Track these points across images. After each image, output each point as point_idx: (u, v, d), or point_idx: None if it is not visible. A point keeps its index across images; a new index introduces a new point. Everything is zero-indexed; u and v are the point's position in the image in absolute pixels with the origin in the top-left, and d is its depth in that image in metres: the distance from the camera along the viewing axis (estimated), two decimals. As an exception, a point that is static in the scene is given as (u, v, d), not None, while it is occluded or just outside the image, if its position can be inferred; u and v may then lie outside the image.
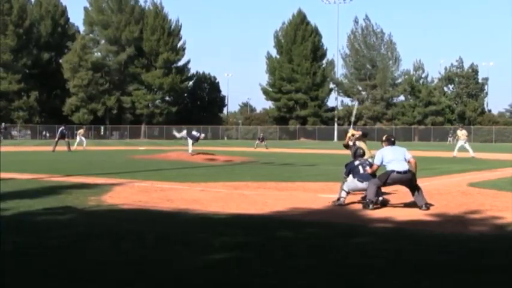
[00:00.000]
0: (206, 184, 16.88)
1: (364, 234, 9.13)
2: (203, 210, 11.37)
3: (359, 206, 12.21)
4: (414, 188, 12.28)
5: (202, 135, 35.66)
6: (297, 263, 6.82)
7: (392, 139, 12.96)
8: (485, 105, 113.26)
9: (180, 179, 18.72)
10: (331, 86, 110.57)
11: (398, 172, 12.13)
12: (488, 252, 7.69)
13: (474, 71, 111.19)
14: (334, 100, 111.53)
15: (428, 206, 12.00)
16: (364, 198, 12.54)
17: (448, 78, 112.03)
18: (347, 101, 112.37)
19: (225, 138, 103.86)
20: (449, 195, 14.72)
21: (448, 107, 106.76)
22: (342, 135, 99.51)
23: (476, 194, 14.97)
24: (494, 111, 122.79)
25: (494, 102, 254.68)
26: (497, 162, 31.17)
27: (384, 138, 12.98)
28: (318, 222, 10.16)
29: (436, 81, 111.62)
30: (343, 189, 12.88)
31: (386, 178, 12.23)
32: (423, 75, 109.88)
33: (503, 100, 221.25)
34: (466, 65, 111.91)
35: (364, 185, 12.77)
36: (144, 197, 13.55)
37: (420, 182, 18.28)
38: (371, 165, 13.02)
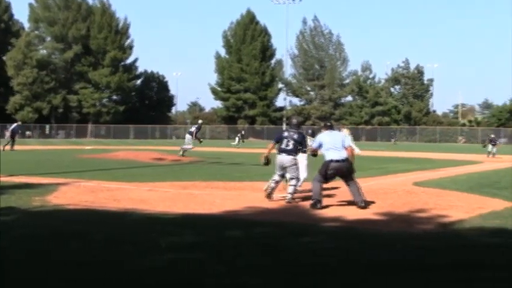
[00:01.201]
0: (154, 184, 16.74)
1: (315, 233, 9.18)
2: (151, 210, 11.28)
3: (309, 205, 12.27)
4: (350, 178, 12.36)
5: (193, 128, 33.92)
6: (249, 263, 6.82)
7: (329, 124, 13.33)
8: (430, 106, 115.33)
9: (127, 178, 18.53)
10: (280, 85, 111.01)
11: (336, 161, 12.15)
12: (433, 250, 7.82)
13: (420, 72, 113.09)
14: (282, 100, 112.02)
15: (364, 203, 12.04)
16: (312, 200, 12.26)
17: (394, 79, 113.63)
18: (295, 101, 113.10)
19: (174, 137, 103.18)
20: (394, 194, 14.92)
21: (395, 107, 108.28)
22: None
23: (420, 193, 15.21)
24: (439, 112, 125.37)
25: (439, 103, 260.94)
26: (441, 162, 31.75)
27: (322, 124, 13.40)
28: (269, 222, 10.17)
29: (383, 82, 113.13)
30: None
31: (326, 169, 12.22)
32: (370, 76, 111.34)
33: (448, 101, 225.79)
34: (412, 67, 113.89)
35: (282, 157, 13.26)
36: (90, 197, 13.36)
37: (367, 181, 18.54)
38: (299, 143, 13.52)
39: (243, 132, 56.90)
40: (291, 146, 13.25)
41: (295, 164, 13.33)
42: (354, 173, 12.49)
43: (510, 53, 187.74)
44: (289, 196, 13.11)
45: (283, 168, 13.33)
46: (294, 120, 14.20)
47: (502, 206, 12.35)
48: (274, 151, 13.70)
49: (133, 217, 10.56)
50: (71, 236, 8.50)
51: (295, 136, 13.40)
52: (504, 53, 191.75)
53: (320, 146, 12.51)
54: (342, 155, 12.24)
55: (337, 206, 12.32)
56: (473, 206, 12.37)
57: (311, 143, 14.14)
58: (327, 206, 12.05)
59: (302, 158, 14.53)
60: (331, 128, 13.01)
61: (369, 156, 34.33)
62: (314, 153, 13.13)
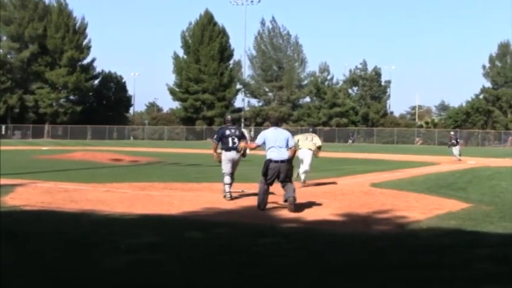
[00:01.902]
0: (111, 185, 16.62)
1: (273, 234, 9.21)
2: (109, 211, 11.20)
3: (269, 205, 12.29)
4: (286, 181, 11.99)
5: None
6: (207, 264, 6.82)
7: (275, 120, 12.99)
8: (387, 107, 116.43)
9: (84, 179, 18.36)
10: (238, 86, 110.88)
11: (275, 161, 11.88)
12: (391, 251, 7.91)
13: (377, 74, 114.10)
14: (241, 101, 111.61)
15: (294, 207, 11.64)
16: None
17: (352, 81, 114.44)
18: (254, 102, 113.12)
19: (131, 138, 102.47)
20: (352, 195, 15.06)
21: (352, 108, 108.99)
22: (247, 135, 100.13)
23: (378, 194, 15.38)
24: (396, 113, 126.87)
25: (396, 105, 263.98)
26: (398, 163, 32.14)
27: (269, 118, 13.38)
28: (227, 223, 10.18)
29: (341, 83, 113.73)
30: (223, 174, 13.97)
31: (266, 170, 11.92)
32: (328, 77, 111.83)
33: (405, 102, 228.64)
34: (370, 68, 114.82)
35: (232, 154, 13.89)
36: (47, 198, 13.21)
37: (325, 182, 18.67)
38: (241, 138, 14.12)
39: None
40: (237, 143, 13.97)
41: (239, 160, 14.46)
42: (291, 176, 12.27)
43: (466, 55, 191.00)
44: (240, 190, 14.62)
45: (234, 166, 14.07)
46: (229, 117, 15.08)
47: (458, 207, 12.55)
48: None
49: (91, 218, 10.46)
50: (27, 237, 8.39)
51: (237, 133, 14.21)
52: (460, 55, 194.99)
53: (263, 143, 12.21)
54: (283, 155, 11.92)
55: (300, 208, 12.37)
56: (430, 207, 12.56)
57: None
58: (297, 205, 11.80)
59: (308, 154, 17.65)
60: (276, 125, 12.69)
61: (327, 157, 34.56)
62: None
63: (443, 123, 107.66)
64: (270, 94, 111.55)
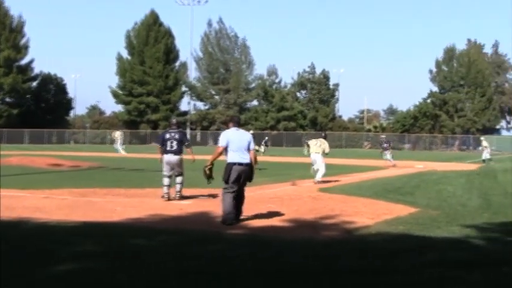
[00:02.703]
0: (50, 191, 16.35)
1: (219, 241, 9.18)
2: (47, 219, 11.00)
3: (216, 212, 12.25)
4: (244, 186, 11.59)
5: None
6: (151, 272, 6.74)
7: (238, 120, 12.38)
8: (336, 111, 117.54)
9: (21, 185, 18.00)
10: (184, 89, 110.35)
11: (239, 164, 11.30)
12: (340, 256, 7.96)
13: (325, 77, 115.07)
14: (186, 104, 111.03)
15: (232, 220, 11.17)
16: None
17: (300, 84, 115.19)
18: (200, 105, 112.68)
19: (72, 142, 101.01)
20: (300, 200, 15.14)
21: (301, 112, 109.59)
22: (193, 139, 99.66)
23: (326, 199, 15.49)
24: (345, 117, 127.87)
25: (345, 108, 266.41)
26: (346, 168, 32.46)
27: (229, 118, 13.29)
28: (172, 229, 10.12)
29: (289, 86, 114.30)
30: (163, 175, 14.62)
31: (229, 175, 11.26)
32: (276, 80, 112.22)
33: (353, 106, 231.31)
34: (318, 71, 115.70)
35: (170, 157, 14.63)
36: (-18, 205, 12.91)
37: (273, 188, 18.76)
38: (181, 141, 14.84)
39: (266, 138, 55.59)
40: (175, 147, 14.77)
41: (181, 162, 15.02)
42: (250, 181, 11.76)
43: (414, 59, 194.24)
44: (179, 194, 14.89)
45: (172, 168, 14.89)
46: (173, 121, 15.65)
47: (406, 212, 12.74)
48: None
49: (28, 226, 10.26)
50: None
51: (177, 136, 14.91)
52: (408, 59, 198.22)
53: (227, 144, 11.48)
54: (247, 158, 11.42)
55: (245, 213, 12.36)
56: (378, 212, 12.71)
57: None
58: (240, 220, 11.47)
59: (318, 158, 21.09)
60: (238, 124, 12.04)
61: (276, 162, 34.71)
62: (218, 155, 11.65)
63: (392, 127, 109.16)
64: (217, 97, 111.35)
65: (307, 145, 23.29)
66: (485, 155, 43.44)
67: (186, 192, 15.56)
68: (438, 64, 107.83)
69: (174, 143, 14.86)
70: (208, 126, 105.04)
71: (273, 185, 19.90)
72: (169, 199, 14.53)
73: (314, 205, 14.02)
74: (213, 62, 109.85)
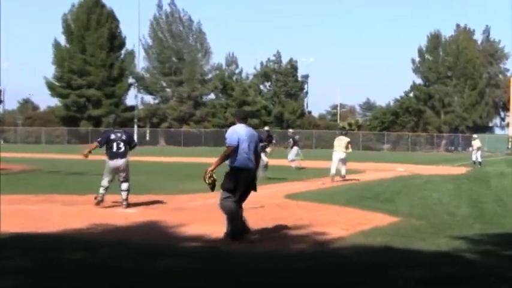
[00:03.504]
0: (-25, 198, 16.16)
1: (172, 254, 9.17)
2: (-29, 230, 10.88)
3: (171, 221, 12.21)
4: (247, 196, 11.11)
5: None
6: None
7: (244, 115, 11.81)
8: (305, 107, 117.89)
9: None
10: (131, 81, 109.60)
11: (248, 170, 10.81)
12: (310, 272, 7.98)
13: (293, 67, 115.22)
14: (133, 98, 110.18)
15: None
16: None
17: (264, 75, 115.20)
18: (149, 98, 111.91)
19: (1, 141, 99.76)
20: (263, 208, 15.15)
21: (264, 107, 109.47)
22: (142, 138, 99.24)
23: (294, 207, 15.55)
24: (315, 113, 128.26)
25: (315, 104, 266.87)
26: (317, 171, 32.53)
27: (235, 112, 12.54)
28: (118, 241, 10.07)
29: (251, 77, 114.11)
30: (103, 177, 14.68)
31: (236, 183, 10.63)
32: (237, 71, 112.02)
33: (325, 101, 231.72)
34: (285, 61, 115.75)
35: (117, 161, 14.55)
36: None
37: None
38: (129, 143, 14.81)
39: (296, 137, 55.57)
40: (122, 149, 14.68)
41: (128, 166, 14.98)
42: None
43: (394, 47, 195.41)
44: (126, 203, 14.82)
45: (117, 173, 14.87)
46: (116, 119, 15.45)
47: (385, 221, 12.83)
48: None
49: None
50: None
51: (124, 137, 14.85)
52: (387, 47, 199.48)
53: (238, 143, 10.76)
54: (253, 162, 10.96)
55: (202, 223, 12.36)
56: (354, 222, 12.80)
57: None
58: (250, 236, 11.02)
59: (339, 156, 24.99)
60: (245, 120, 11.49)
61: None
62: (227, 157, 10.87)
63: (369, 124, 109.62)
64: (168, 90, 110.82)
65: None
66: (477, 156, 43.85)
67: (132, 199, 15.51)
68: (422, 53, 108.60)
69: (122, 145, 14.79)
70: (159, 123, 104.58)
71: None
72: (98, 203, 14.63)
73: (279, 214, 14.06)
74: (164, 49, 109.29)
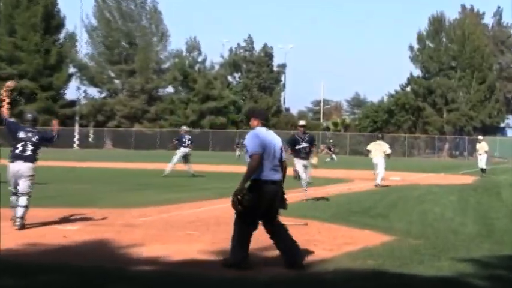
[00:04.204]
0: None
1: (121, 281, 9.14)
2: None
3: (120, 240, 12.19)
4: (275, 215, 10.77)
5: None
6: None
7: (266, 116, 11.50)
8: (281, 102, 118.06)
9: None
10: (72, 70, 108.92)
11: (273, 182, 10.41)
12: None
13: (268, 55, 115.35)
14: (75, 91, 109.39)
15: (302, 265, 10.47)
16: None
17: (233, 65, 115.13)
18: (93, 92, 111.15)
19: None
20: (231, 224, 15.15)
21: (233, 103, 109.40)
22: (84, 139, 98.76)
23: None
24: (294, 111, 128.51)
25: (294, 98, 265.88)
26: (293, 179, 32.58)
27: (253, 110, 11.86)
28: (55, 265, 10.02)
29: (217, 67, 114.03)
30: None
31: (258, 200, 10.27)
32: (200, 59, 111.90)
33: (305, 96, 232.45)
34: (258, 47, 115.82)
35: (18, 165, 13.66)
36: None
37: (194, 207, 18.78)
38: (38, 145, 13.92)
39: (331, 143, 56.04)
40: (29, 151, 13.83)
41: (33, 175, 13.96)
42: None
43: (388, 31, 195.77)
44: (19, 221, 13.70)
45: (19, 181, 13.86)
46: (29, 115, 14.65)
47: (377, 241, 12.87)
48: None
49: None
50: None
51: (35, 139, 13.98)
52: (380, 32, 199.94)
53: (260, 151, 10.36)
54: (280, 173, 10.62)
55: (157, 242, 12.36)
56: (339, 241, 12.85)
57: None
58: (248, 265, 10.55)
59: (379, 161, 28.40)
60: (267, 121, 11.27)
61: (199, 171, 34.70)
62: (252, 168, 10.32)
63: (358, 124, 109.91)
64: (117, 81, 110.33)
65: (367, 150, 30.36)
66: (484, 162, 43.58)
67: (72, 213, 15.42)
68: (421, 38, 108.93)
69: (29, 147, 13.94)
70: (105, 121, 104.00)
71: (195, 204, 19.91)
72: (22, 227, 13.71)
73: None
74: (112, 32, 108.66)
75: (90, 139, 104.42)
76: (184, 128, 35.38)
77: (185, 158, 34.30)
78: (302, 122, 24.40)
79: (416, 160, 78.44)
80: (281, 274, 9.87)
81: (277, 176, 10.37)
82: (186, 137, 34.98)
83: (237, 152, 66.94)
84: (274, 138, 10.70)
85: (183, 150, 34.36)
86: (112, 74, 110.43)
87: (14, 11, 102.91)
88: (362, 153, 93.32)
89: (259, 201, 10.16)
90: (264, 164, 10.21)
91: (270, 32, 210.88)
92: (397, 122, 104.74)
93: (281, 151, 10.67)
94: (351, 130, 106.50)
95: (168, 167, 33.81)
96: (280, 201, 10.58)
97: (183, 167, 33.53)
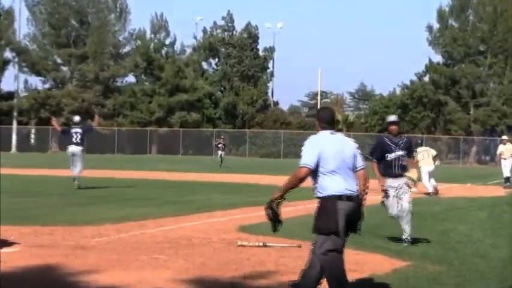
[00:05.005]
0: None
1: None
2: None
3: (70, 266, 12.22)
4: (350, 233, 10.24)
5: None
6: None
7: (331, 116, 10.75)
8: (269, 95, 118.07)
9: None
10: (8, 55, 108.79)
11: (349, 198, 10.00)
12: None
13: (252, 36, 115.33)
14: (12, 80, 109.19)
15: None
16: None
17: (209, 48, 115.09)
18: (36, 81, 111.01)
19: None
20: (208, 246, 15.23)
21: (209, 96, 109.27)
22: (24, 139, 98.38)
23: (252, 245, 15.58)
24: (284, 105, 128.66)
25: (284, 90, 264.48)
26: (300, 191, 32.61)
27: (317, 112, 11.28)
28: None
29: (189, 51, 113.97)
30: None
31: (336, 219, 9.87)
32: (168, 41, 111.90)
33: (298, 87, 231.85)
34: (239, 26, 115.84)
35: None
36: None
37: (163, 225, 18.82)
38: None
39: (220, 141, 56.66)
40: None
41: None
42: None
43: (400, 8, 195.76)
44: None
45: None
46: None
47: (387, 267, 12.93)
48: None
49: None
50: None
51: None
52: (391, 9, 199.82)
53: (317, 164, 10.05)
54: (354, 186, 10.20)
55: (115, 268, 12.38)
56: (341, 267, 12.88)
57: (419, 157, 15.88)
58: None
59: (428, 169, 29.46)
60: (332, 126, 10.67)
61: (168, 180, 34.78)
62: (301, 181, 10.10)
63: (364, 122, 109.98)
64: (65, 69, 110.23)
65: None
66: (508, 168, 42.75)
67: (11, 232, 15.39)
68: (443, 16, 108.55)
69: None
70: (50, 118, 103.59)
71: (162, 221, 19.92)
72: None
73: (231, 255, 14.12)
74: (59, 8, 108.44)
75: (32, 140, 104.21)
76: (77, 118, 33.28)
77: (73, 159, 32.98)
78: (393, 118, 18.16)
79: (437, 167, 78.44)
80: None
81: (350, 191, 9.92)
82: (75, 131, 33.20)
83: (219, 155, 64.45)
84: (343, 144, 10.26)
85: (71, 149, 31.36)
86: (59, 60, 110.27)
87: None
88: (368, 158, 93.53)
89: (338, 220, 9.69)
90: (329, 177, 9.90)
91: (254, 8, 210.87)
92: (413, 120, 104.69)
93: (354, 158, 10.21)
94: (355, 129, 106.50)
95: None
96: (358, 218, 10.09)
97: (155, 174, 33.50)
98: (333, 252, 9.62)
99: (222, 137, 71.95)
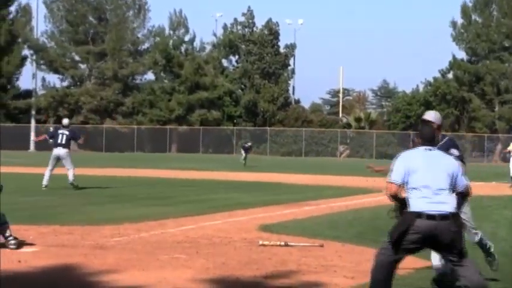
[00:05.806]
0: None
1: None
2: None
3: (89, 266, 12.23)
4: (455, 255, 10.19)
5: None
6: None
7: (431, 133, 10.61)
8: (290, 92, 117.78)
9: None
10: (26, 52, 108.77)
11: (430, 217, 9.72)
12: None
13: (273, 33, 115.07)
14: (30, 78, 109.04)
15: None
16: None
17: (229, 45, 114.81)
18: (54, 79, 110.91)
19: None
20: (229, 246, 15.20)
21: (230, 93, 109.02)
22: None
23: (274, 244, 15.57)
24: (306, 103, 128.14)
25: (305, 88, 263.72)
26: (309, 189, 32.59)
27: (418, 128, 11.03)
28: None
29: (208, 48, 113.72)
30: None
31: (403, 232, 9.85)
32: (187, 38, 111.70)
33: (320, 84, 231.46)
34: (260, 23, 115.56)
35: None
36: None
37: (182, 225, 18.82)
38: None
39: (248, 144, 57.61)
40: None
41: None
42: (464, 247, 10.27)
43: (425, 6, 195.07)
44: None
45: None
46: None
47: (410, 266, 12.86)
48: None
49: None
50: None
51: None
52: (415, 6, 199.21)
53: (404, 180, 10.00)
54: (445, 205, 9.87)
55: (135, 268, 12.39)
56: (364, 267, 12.80)
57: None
58: None
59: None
60: (431, 141, 10.45)
61: (187, 179, 34.74)
62: (396, 199, 10.15)
63: (387, 120, 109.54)
64: (83, 66, 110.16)
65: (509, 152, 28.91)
66: None
67: (29, 232, 15.39)
68: (466, 12, 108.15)
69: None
70: (69, 116, 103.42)
71: (182, 220, 19.92)
72: None
73: (253, 255, 14.10)
74: (77, 5, 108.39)
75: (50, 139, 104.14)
76: (65, 121, 32.84)
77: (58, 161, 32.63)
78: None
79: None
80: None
81: (434, 211, 9.61)
82: (61, 132, 32.82)
83: (244, 156, 63.45)
84: (438, 160, 10.05)
85: (56, 152, 31.10)
86: (77, 58, 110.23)
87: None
88: (391, 156, 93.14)
89: (404, 234, 9.69)
90: (415, 192, 9.77)
91: (275, 4, 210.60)
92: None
93: (453, 177, 9.93)
94: (377, 127, 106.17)
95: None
96: (453, 241, 9.88)
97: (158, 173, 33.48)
98: (383, 253, 9.87)
99: (250, 143, 72.37)
